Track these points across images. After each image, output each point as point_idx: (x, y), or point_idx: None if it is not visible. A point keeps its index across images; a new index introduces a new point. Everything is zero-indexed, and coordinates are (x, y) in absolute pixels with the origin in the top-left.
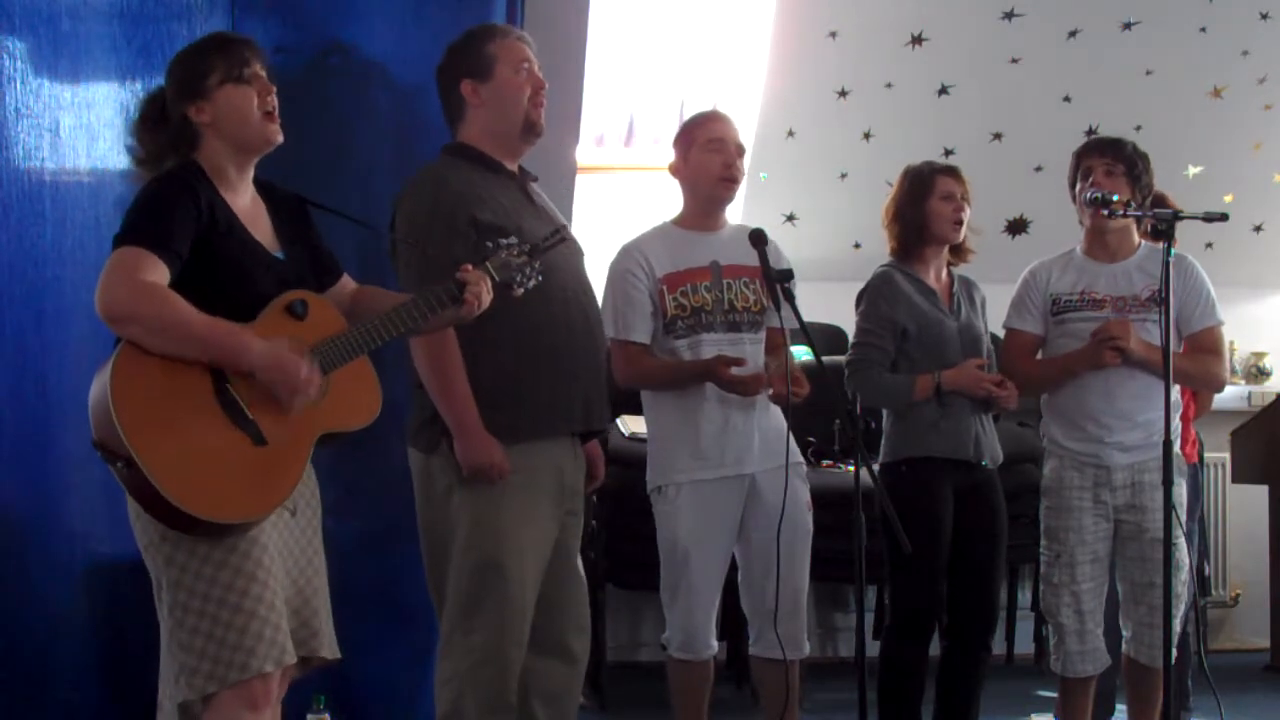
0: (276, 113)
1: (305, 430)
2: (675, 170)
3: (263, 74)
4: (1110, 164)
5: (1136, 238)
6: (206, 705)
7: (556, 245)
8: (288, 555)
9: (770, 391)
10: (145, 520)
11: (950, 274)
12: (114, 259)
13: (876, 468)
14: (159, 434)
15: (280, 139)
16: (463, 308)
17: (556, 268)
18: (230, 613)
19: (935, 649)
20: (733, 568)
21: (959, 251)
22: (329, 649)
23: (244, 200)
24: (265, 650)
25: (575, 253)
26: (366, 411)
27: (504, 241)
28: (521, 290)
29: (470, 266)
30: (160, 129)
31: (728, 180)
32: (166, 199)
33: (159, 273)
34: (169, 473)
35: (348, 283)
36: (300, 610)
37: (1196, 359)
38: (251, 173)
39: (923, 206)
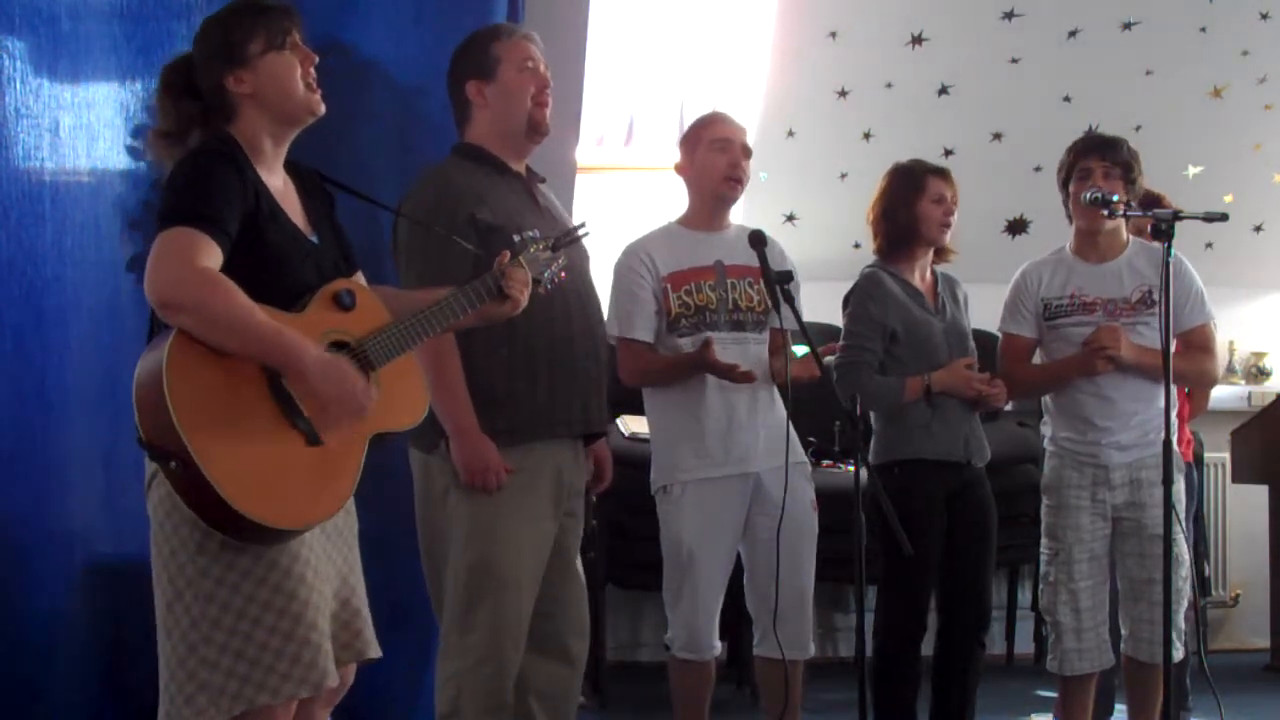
0: (316, 83)
1: (358, 430)
2: (681, 170)
3: (302, 43)
4: (1109, 167)
5: (1125, 236)
6: None
7: (577, 240)
8: (330, 565)
9: (773, 383)
10: (178, 524)
11: (934, 273)
12: (165, 240)
13: None
14: (215, 432)
15: (323, 109)
16: (506, 303)
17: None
18: (265, 633)
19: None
20: (737, 567)
21: (941, 251)
22: (374, 648)
23: (277, 180)
24: (301, 673)
25: (581, 255)
26: (416, 410)
27: (529, 234)
28: (546, 288)
29: (509, 255)
30: (186, 99)
31: (733, 181)
32: (212, 174)
33: (214, 256)
34: (227, 473)
35: (361, 279)
36: (340, 614)
37: (1189, 357)
38: (286, 150)
39: (914, 208)
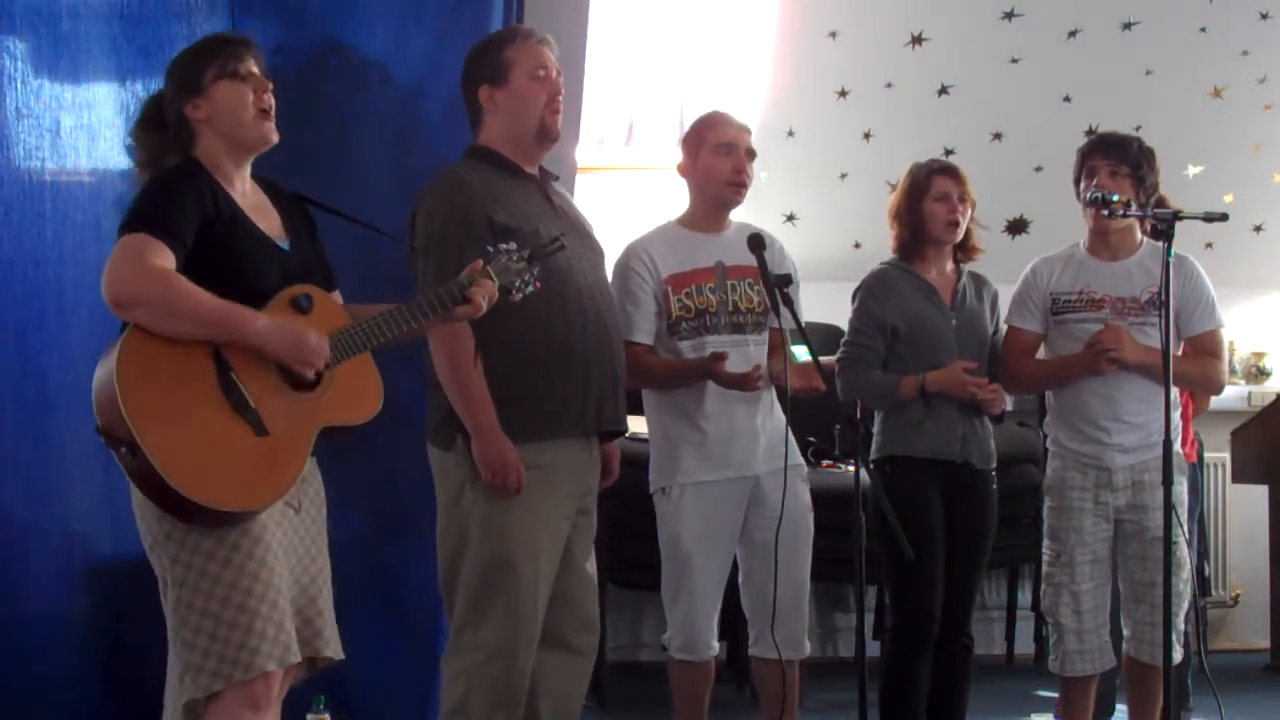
0: (273, 111)
1: (306, 423)
2: (683, 170)
3: (258, 71)
4: (1115, 165)
5: (1139, 236)
6: (208, 704)
7: (555, 252)
8: (291, 553)
9: (772, 384)
10: (150, 518)
11: (958, 270)
12: (120, 245)
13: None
14: (163, 420)
15: (275, 138)
16: (467, 306)
17: (574, 268)
18: (234, 612)
19: None
20: (733, 568)
21: (966, 249)
22: (333, 649)
23: (246, 194)
24: (269, 649)
25: (594, 253)
26: (368, 406)
27: (504, 246)
28: (520, 295)
29: (481, 263)
30: (159, 131)
31: (736, 185)
32: (171, 188)
33: (165, 258)
34: (173, 459)
35: (337, 298)
36: (304, 609)
37: (1196, 361)
38: (249, 169)
39: (918, 207)
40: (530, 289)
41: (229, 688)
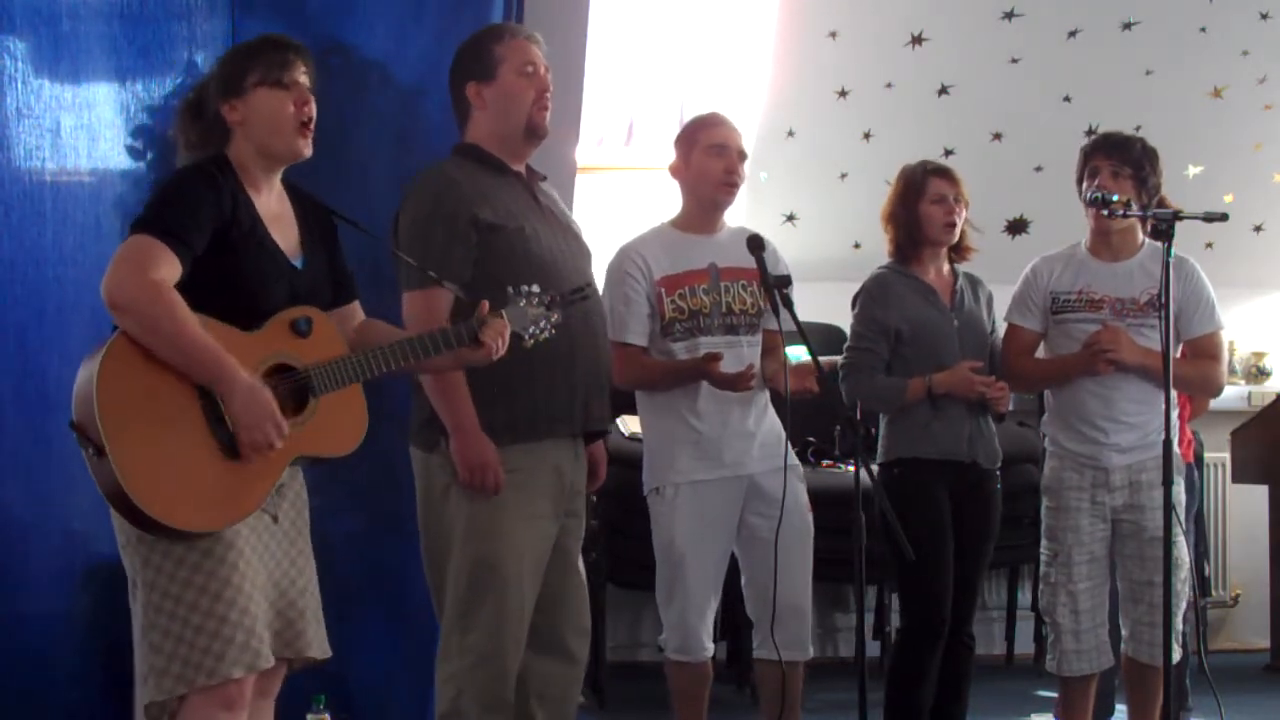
0: (313, 124)
1: (282, 450)
2: (675, 172)
3: (304, 82)
4: (1116, 166)
5: (1141, 237)
6: (180, 706)
7: (578, 301)
8: (269, 558)
9: (766, 386)
10: (124, 522)
11: (954, 271)
12: (129, 245)
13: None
14: (134, 428)
15: (308, 154)
16: (480, 350)
17: (561, 269)
18: (202, 617)
19: None
20: (736, 570)
21: (960, 250)
22: (318, 649)
23: (270, 202)
24: (235, 655)
25: (582, 254)
26: (348, 440)
27: (525, 289)
28: (533, 342)
29: (488, 305)
30: (197, 121)
31: (728, 186)
32: (189, 190)
33: (170, 266)
34: (136, 469)
35: (358, 310)
36: (285, 612)
37: (1194, 364)
38: (278, 178)
39: (915, 210)
40: (546, 335)
41: (194, 691)
